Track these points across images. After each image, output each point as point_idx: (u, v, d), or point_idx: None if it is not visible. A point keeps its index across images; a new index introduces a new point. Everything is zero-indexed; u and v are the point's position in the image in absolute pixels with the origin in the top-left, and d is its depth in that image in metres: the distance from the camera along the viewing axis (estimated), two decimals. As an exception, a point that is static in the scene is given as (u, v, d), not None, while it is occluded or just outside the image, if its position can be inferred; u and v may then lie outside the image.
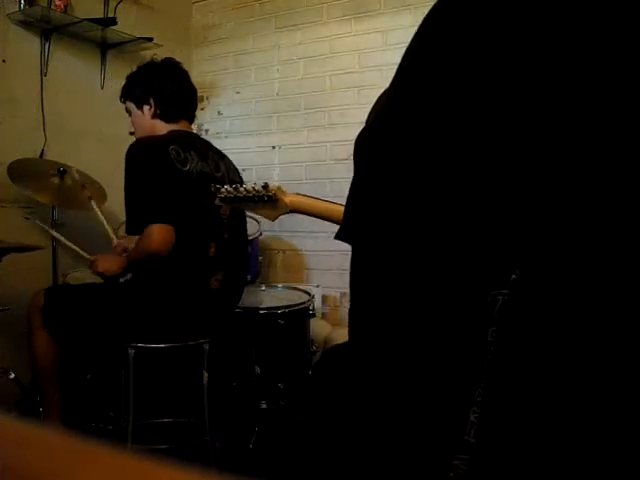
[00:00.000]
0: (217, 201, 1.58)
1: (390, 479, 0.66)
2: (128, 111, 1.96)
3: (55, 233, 2.12)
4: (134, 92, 1.92)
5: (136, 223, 1.73)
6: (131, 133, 1.99)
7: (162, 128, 1.89)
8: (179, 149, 1.77)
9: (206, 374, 1.88)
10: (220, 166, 1.93)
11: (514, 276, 0.55)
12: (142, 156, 1.75)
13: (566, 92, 0.54)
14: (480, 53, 0.58)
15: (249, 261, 2.29)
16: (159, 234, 1.68)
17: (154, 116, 1.89)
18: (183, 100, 1.93)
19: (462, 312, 0.58)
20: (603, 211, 0.52)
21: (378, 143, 0.66)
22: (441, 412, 0.60)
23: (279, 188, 1.54)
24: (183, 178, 1.75)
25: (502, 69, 0.57)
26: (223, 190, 1.53)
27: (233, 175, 2.00)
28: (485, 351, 0.56)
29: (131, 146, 1.77)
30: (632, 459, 0.51)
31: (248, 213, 2.00)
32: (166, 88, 1.88)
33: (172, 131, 1.89)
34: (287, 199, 1.54)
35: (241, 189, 1.51)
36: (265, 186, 1.50)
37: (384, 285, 0.65)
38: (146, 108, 1.90)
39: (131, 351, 1.76)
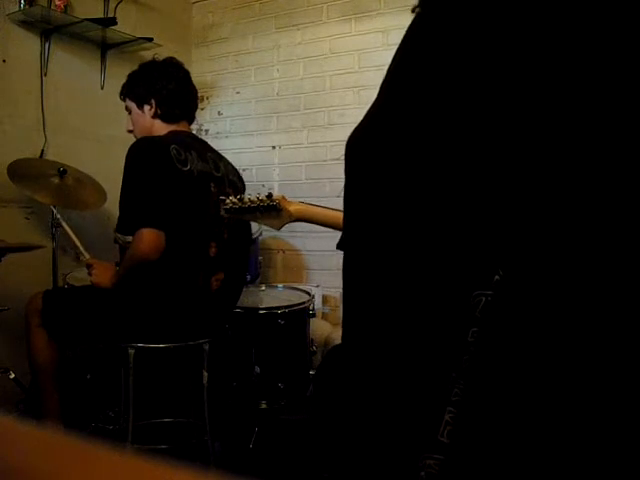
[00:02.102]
0: (222, 212, 1.58)
1: (366, 477, 0.66)
2: (128, 109, 1.96)
3: (64, 224, 2.11)
4: (136, 91, 1.92)
5: (128, 223, 1.72)
6: (129, 131, 1.99)
7: (161, 128, 1.89)
8: (180, 149, 1.77)
9: (206, 374, 1.87)
10: (219, 166, 1.93)
11: (497, 277, 0.55)
12: (143, 155, 1.74)
13: (553, 94, 0.54)
14: (475, 52, 0.58)
15: (249, 261, 2.29)
16: (149, 239, 1.67)
17: (154, 116, 1.90)
18: (184, 101, 1.93)
19: (444, 312, 0.58)
20: (588, 212, 0.52)
21: (368, 148, 0.66)
22: (415, 411, 0.60)
23: (283, 197, 1.54)
24: (184, 178, 1.75)
25: (496, 69, 0.56)
26: (228, 201, 1.53)
27: (232, 176, 2.00)
28: (464, 351, 0.56)
29: (132, 145, 1.77)
30: (611, 460, 0.51)
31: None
32: (168, 89, 1.88)
33: (172, 132, 1.89)
34: (291, 208, 1.54)
35: (245, 199, 1.52)
36: (269, 196, 1.51)
37: (372, 284, 0.65)
38: (147, 108, 1.90)
39: (131, 351, 1.76)
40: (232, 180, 1.96)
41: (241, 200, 1.51)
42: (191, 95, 1.96)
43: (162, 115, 1.89)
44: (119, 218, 1.75)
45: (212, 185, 1.83)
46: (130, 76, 1.96)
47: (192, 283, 1.79)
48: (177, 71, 1.94)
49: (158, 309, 1.77)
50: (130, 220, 1.71)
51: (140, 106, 1.91)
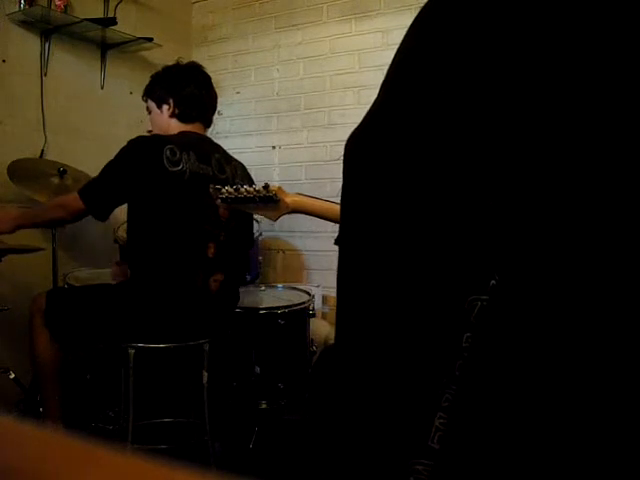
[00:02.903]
0: (218, 202, 1.58)
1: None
2: (149, 110, 2.01)
3: None
4: (156, 91, 1.97)
5: (89, 190, 1.80)
6: (149, 132, 2.03)
7: (176, 128, 1.93)
8: (176, 149, 1.80)
9: (206, 374, 1.87)
10: (225, 169, 1.95)
11: (493, 281, 0.55)
12: (133, 151, 1.80)
13: (554, 95, 0.54)
14: (476, 52, 0.58)
15: (249, 264, 2.28)
16: (75, 204, 1.78)
17: (171, 115, 1.94)
18: (201, 103, 1.97)
19: (439, 316, 0.58)
20: (585, 218, 0.52)
21: (367, 148, 0.66)
22: (406, 415, 0.59)
23: (280, 188, 1.54)
24: (171, 178, 1.77)
25: (496, 69, 0.56)
26: (224, 191, 1.53)
27: (242, 180, 2.00)
28: (458, 356, 0.56)
29: (130, 139, 1.82)
30: (605, 468, 0.51)
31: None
32: (187, 90, 1.93)
33: (182, 132, 1.92)
34: (288, 199, 1.54)
35: (242, 190, 1.51)
36: (266, 186, 1.50)
37: (366, 287, 0.65)
38: (165, 107, 1.94)
39: (131, 351, 1.76)
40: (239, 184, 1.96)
41: (237, 190, 1.51)
42: (209, 99, 2.00)
43: (179, 115, 1.94)
44: (88, 183, 1.83)
45: (211, 187, 1.83)
46: (152, 77, 2.01)
47: (191, 283, 1.80)
48: (198, 74, 1.99)
49: (159, 309, 1.78)
50: (88, 193, 1.80)
51: (159, 106, 1.96)
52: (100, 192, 1.80)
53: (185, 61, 2.05)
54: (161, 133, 1.94)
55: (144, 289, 1.80)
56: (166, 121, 1.95)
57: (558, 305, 0.52)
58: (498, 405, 0.54)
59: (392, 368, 0.62)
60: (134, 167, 1.77)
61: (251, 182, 2.06)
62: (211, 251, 1.83)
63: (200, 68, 2.03)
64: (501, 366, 0.54)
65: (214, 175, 1.88)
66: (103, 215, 1.84)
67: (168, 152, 1.78)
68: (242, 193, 1.51)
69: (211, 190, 1.71)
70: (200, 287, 1.82)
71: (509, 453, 0.53)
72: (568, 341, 0.52)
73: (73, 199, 1.79)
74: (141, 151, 1.79)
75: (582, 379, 0.51)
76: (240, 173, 2.03)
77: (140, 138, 1.84)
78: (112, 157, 1.82)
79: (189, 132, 1.93)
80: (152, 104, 1.98)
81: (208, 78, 2.02)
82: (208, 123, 2.03)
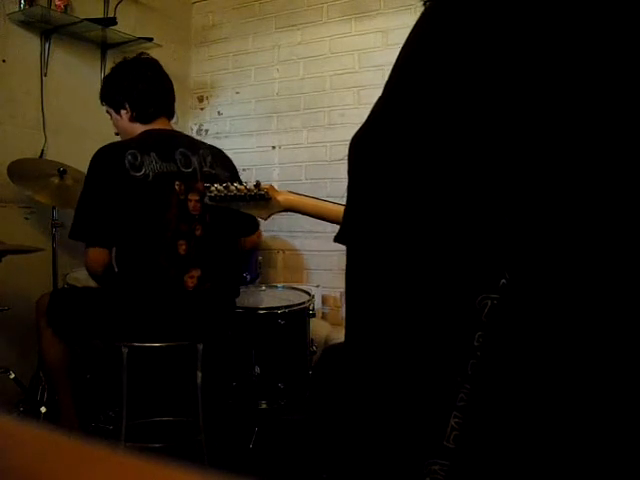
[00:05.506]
0: (206, 200, 1.56)
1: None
2: (109, 113, 1.98)
3: None
4: (110, 96, 1.94)
5: (77, 229, 1.77)
6: (117, 134, 2.00)
7: (140, 130, 1.90)
8: (137, 153, 1.77)
9: (200, 374, 1.86)
10: (191, 161, 1.87)
11: (504, 281, 0.55)
12: (97, 167, 1.77)
13: (559, 96, 0.54)
14: (477, 53, 0.58)
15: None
16: (93, 258, 1.76)
17: (131, 119, 1.90)
18: (156, 98, 1.91)
19: (450, 316, 0.58)
20: (594, 216, 0.52)
21: (372, 147, 0.66)
22: (421, 416, 0.59)
23: (271, 186, 1.53)
24: (136, 184, 1.74)
25: (499, 70, 0.56)
26: (213, 189, 1.50)
27: (212, 168, 1.92)
28: (470, 356, 0.56)
29: (94, 154, 1.79)
30: (616, 467, 0.51)
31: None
32: (138, 89, 1.88)
33: (143, 132, 1.88)
34: (280, 197, 1.53)
35: (232, 187, 1.49)
36: (257, 184, 1.49)
37: (376, 287, 0.65)
38: (123, 112, 1.91)
39: (124, 350, 1.76)
40: (207, 173, 1.89)
41: (227, 188, 1.48)
42: (163, 90, 1.94)
43: (137, 117, 1.90)
44: (72, 224, 1.78)
45: (177, 183, 1.79)
46: (104, 80, 1.98)
47: (162, 281, 1.77)
48: (146, 69, 1.93)
49: (136, 309, 1.77)
50: (78, 231, 1.77)
51: (117, 112, 1.92)
52: (87, 221, 1.76)
53: (131, 57, 2.00)
54: (127, 136, 1.90)
55: (124, 289, 1.80)
56: (129, 125, 1.91)
57: (567, 303, 0.52)
58: (512, 403, 0.54)
59: (405, 368, 0.61)
60: (103, 180, 1.75)
61: (227, 168, 1.99)
62: (182, 248, 1.79)
63: (149, 61, 1.97)
64: (513, 364, 0.54)
65: (179, 171, 1.82)
66: (107, 240, 1.78)
67: (130, 157, 1.75)
68: (232, 191, 1.49)
69: (202, 188, 1.67)
70: (174, 285, 1.78)
71: (524, 451, 0.53)
72: (578, 338, 0.52)
73: (85, 258, 1.78)
74: (104, 162, 1.77)
75: (594, 376, 0.51)
76: (210, 160, 1.93)
77: (101, 150, 1.81)
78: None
79: (152, 130, 1.89)
80: (110, 109, 1.95)
81: (157, 70, 1.95)
82: (170, 114, 1.98)
